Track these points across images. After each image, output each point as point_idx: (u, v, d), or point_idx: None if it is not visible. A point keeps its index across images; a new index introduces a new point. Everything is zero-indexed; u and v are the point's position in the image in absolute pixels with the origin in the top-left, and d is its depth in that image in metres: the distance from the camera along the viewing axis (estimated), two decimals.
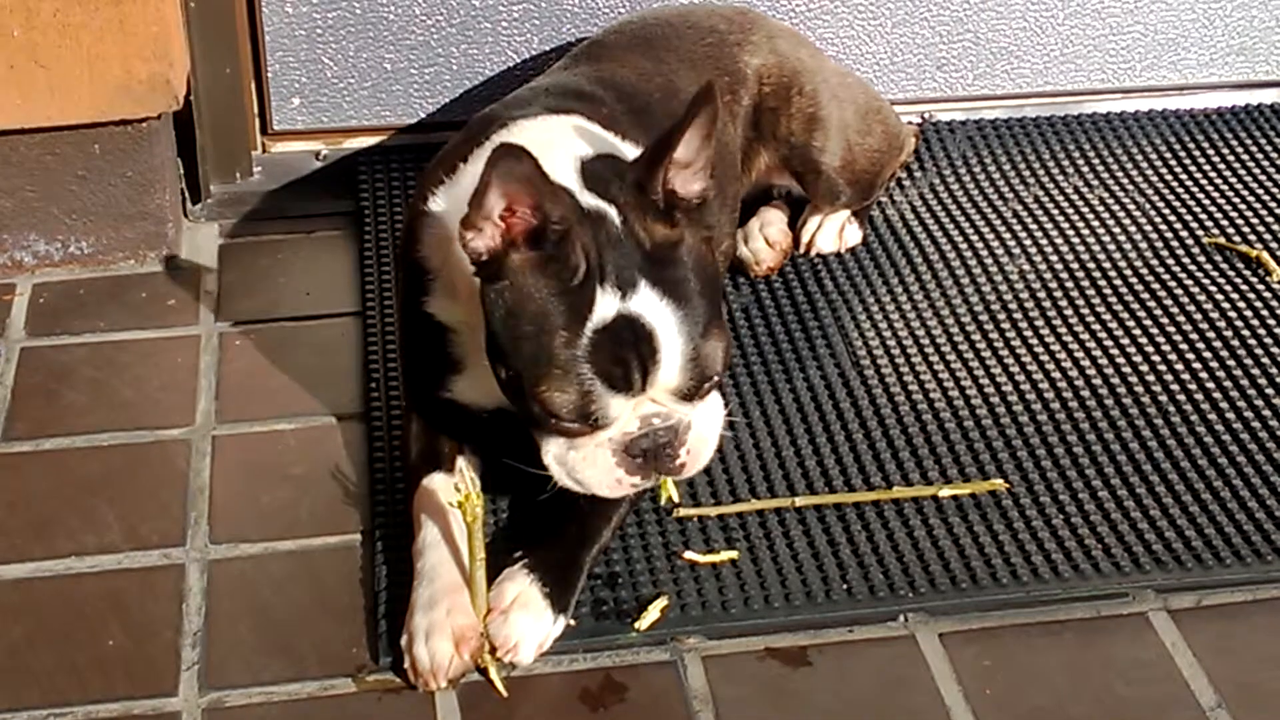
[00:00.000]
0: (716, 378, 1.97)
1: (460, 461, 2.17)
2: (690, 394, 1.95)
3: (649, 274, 1.92)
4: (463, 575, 2.00)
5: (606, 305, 1.90)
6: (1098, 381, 2.45)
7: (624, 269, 1.91)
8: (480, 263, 1.94)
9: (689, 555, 2.13)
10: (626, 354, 1.90)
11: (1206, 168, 2.97)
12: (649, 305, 1.91)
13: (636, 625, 2.04)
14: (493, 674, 1.97)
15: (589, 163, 2.03)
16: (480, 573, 1.98)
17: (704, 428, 1.99)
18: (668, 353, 1.91)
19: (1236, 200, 2.88)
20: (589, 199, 1.96)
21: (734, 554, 2.13)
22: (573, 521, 2.07)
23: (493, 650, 1.97)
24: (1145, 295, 2.64)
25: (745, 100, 2.59)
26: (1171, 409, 2.40)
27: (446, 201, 2.12)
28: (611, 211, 1.95)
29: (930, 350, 2.52)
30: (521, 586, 2.00)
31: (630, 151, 2.14)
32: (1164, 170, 2.97)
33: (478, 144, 2.15)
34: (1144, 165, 2.98)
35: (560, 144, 2.07)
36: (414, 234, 2.17)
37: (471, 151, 2.15)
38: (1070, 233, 2.80)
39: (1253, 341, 2.53)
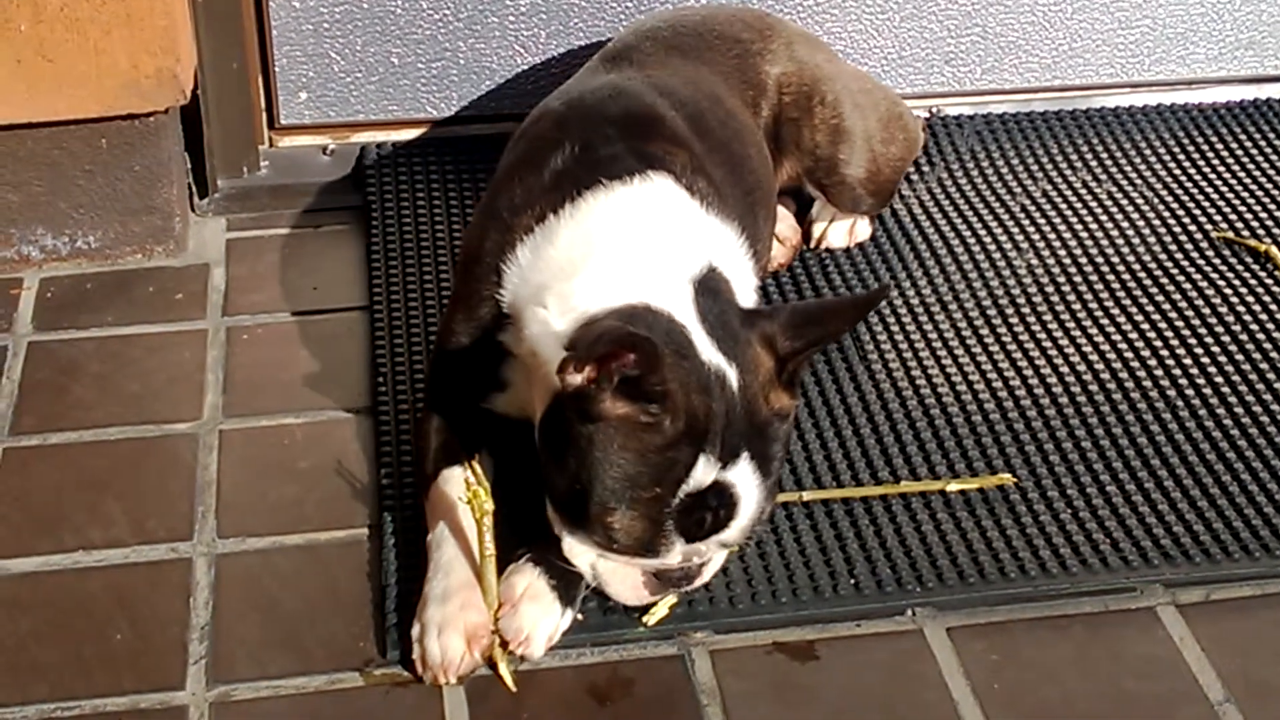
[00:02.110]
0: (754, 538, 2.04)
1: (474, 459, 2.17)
2: (745, 542, 2.00)
3: (751, 444, 1.92)
4: (475, 571, 2.00)
5: (705, 473, 1.89)
6: (1105, 376, 2.45)
7: (731, 437, 1.90)
8: (568, 393, 1.89)
9: None
10: (707, 515, 1.91)
11: (1215, 162, 2.97)
12: (743, 477, 1.91)
13: (644, 620, 2.04)
14: (502, 668, 1.97)
15: (703, 289, 1.98)
16: (490, 568, 1.97)
17: (722, 560, 2.05)
18: (741, 521, 1.93)
19: (1245, 194, 2.88)
20: (710, 353, 1.92)
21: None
22: None
23: (503, 644, 1.97)
24: (1153, 289, 2.63)
25: (765, 111, 2.57)
26: (1179, 403, 2.39)
27: (535, 259, 2.06)
28: (731, 374, 1.92)
29: (938, 344, 2.51)
30: (530, 579, 2.00)
31: (715, 226, 2.11)
32: (1172, 164, 2.96)
33: (569, 197, 2.08)
34: (1152, 160, 2.98)
35: (672, 250, 2.01)
36: (497, 271, 2.10)
37: (562, 205, 2.07)
38: (1078, 227, 2.79)
39: (1261, 335, 2.53)
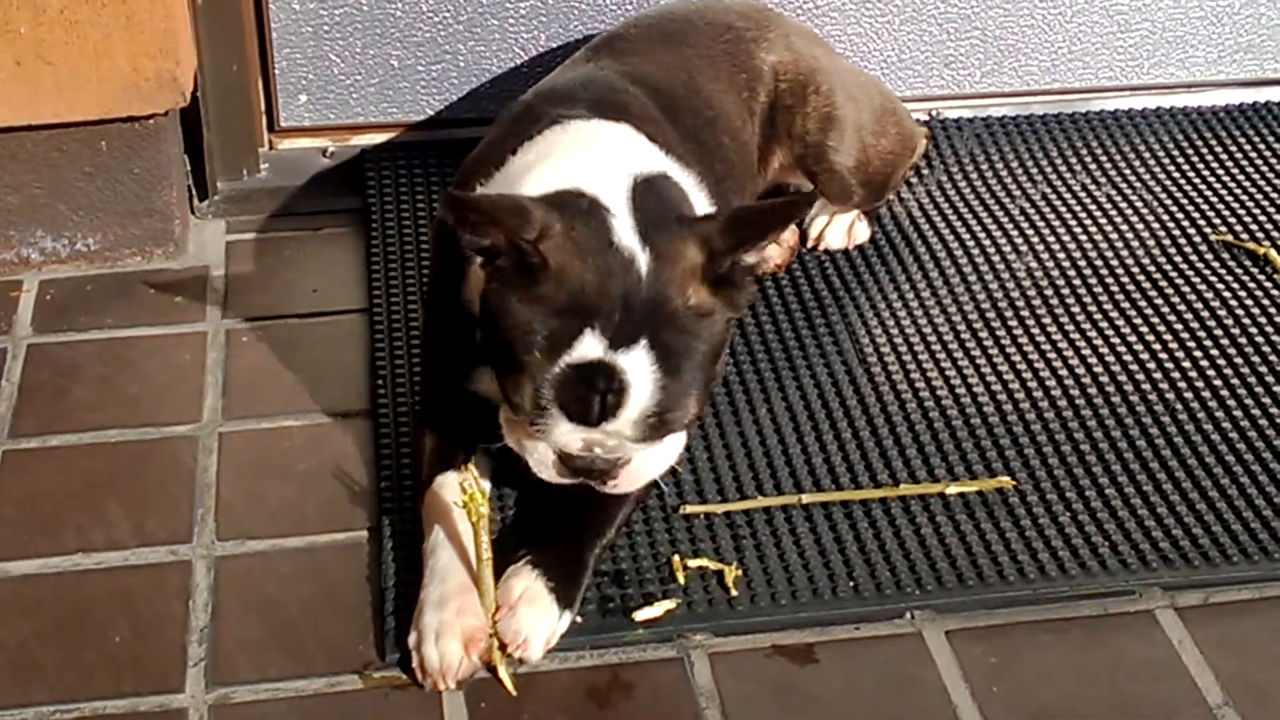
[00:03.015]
0: (674, 430, 1.98)
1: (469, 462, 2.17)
2: (643, 439, 1.96)
3: (654, 333, 1.91)
4: (471, 576, 2.00)
5: (589, 348, 1.90)
6: (1105, 379, 2.45)
7: (629, 321, 1.91)
8: (480, 252, 1.96)
9: (690, 561, 2.13)
10: (591, 397, 1.90)
11: (1214, 165, 2.97)
12: (637, 363, 1.91)
13: (633, 616, 2.04)
14: (501, 672, 1.97)
15: (642, 184, 2.02)
16: (487, 572, 1.97)
17: (645, 465, 2.00)
18: (632, 410, 1.92)
19: (1244, 197, 2.88)
20: (627, 237, 1.95)
21: (719, 564, 2.13)
22: (577, 518, 2.07)
23: (502, 648, 1.97)
24: (1152, 292, 2.63)
25: (761, 97, 2.58)
26: (1178, 406, 2.39)
27: (495, 190, 2.11)
28: (643, 258, 1.94)
29: (937, 347, 2.51)
30: (527, 582, 2.00)
31: (675, 171, 2.14)
32: (1171, 167, 2.97)
33: (528, 137, 2.15)
34: (1151, 162, 2.98)
35: (615, 156, 2.07)
36: None
37: (521, 144, 2.15)
38: (1078, 230, 2.79)
39: (1260, 339, 2.53)
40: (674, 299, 1.93)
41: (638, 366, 1.91)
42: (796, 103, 2.59)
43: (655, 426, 1.94)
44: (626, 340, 1.90)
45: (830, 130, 2.59)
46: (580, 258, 1.92)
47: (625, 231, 1.95)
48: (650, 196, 2.02)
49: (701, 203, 2.15)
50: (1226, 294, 2.63)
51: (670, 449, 2.02)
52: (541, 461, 2.00)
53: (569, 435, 1.94)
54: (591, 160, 2.06)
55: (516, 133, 2.19)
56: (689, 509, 2.20)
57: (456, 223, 1.91)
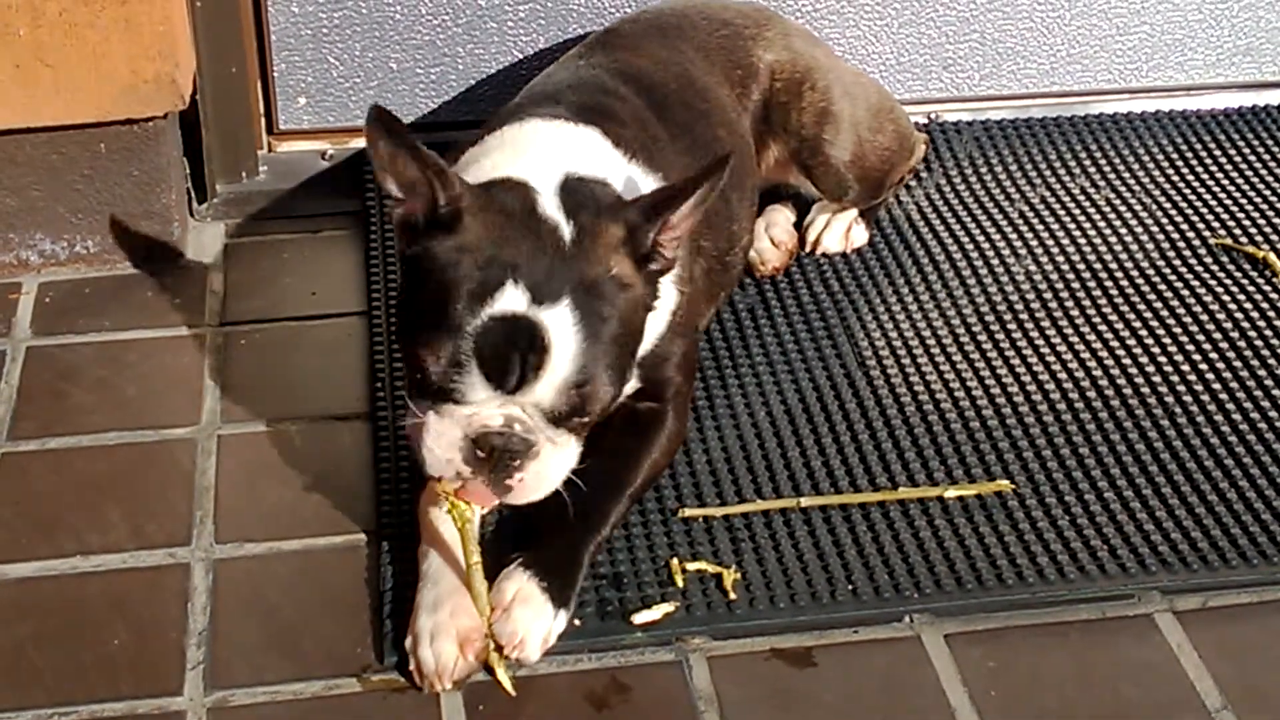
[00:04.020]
0: (588, 418, 1.97)
1: None
2: (559, 419, 1.95)
3: (578, 296, 1.93)
4: (463, 579, 2.00)
5: (513, 300, 1.90)
6: (1104, 383, 2.45)
7: (551, 279, 1.92)
8: (403, 231, 1.99)
9: (689, 564, 2.12)
10: (512, 352, 1.90)
11: (1213, 168, 2.97)
12: (559, 320, 1.91)
13: (632, 619, 2.04)
14: (500, 673, 1.97)
15: (575, 181, 2.05)
16: (477, 575, 1.98)
17: (551, 465, 1.98)
18: (555, 369, 1.92)
19: (1243, 201, 2.88)
20: (549, 208, 1.98)
21: (717, 567, 2.13)
22: (571, 517, 2.07)
23: (499, 649, 1.97)
24: (1151, 296, 2.63)
25: (756, 94, 2.59)
26: (1177, 410, 2.39)
27: None
28: (566, 226, 1.96)
29: (936, 351, 2.51)
30: (520, 583, 2.00)
31: (634, 172, 2.16)
32: (1170, 171, 2.96)
33: (489, 131, 2.19)
34: (1150, 166, 2.98)
35: (560, 155, 2.09)
36: None
37: (480, 139, 2.18)
38: (1076, 233, 2.79)
39: (1259, 342, 2.53)
40: (596, 265, 1.95)
41: (560, 325, 1.91)
42: (792, 99, 2.60)
43: (573, 403, 1.93)
44: (549, 297, 1.91)
45: (826, 125, 2.60)
46: (503, 215, 1.96)
47: (550, 207, 1.99)
48: (580, 184, 2.04)
49: None
50: (1225, 297, 2.63)
51: (569, 457, 2.00)
52: (448, 445, 1.94)
53: (483, 398, 1.91)
54: (532, 156, 2.08)
55: (485, 129, 2.22)
56: (688, 512, 2.20)
57: (376, 133, 1.92)
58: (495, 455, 1.94)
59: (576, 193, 2.03)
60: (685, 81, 2.47)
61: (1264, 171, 2.96)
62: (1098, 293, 2.64)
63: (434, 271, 1.94)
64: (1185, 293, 2.64)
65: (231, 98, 2.81)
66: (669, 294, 2.15)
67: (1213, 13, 3.09)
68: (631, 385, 2.13)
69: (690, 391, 2.28)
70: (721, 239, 2.39)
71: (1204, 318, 2.58)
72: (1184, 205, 2.87)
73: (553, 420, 1.95)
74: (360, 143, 2.93)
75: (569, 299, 1.92)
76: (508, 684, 1.96)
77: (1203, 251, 2.75)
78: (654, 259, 2.01)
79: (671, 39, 2.56)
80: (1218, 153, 3.01)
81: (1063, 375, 2.46)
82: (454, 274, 1.92)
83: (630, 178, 2.15)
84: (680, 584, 2.09)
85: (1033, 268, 2.71)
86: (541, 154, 2.10)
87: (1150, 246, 2.76)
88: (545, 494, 2.00)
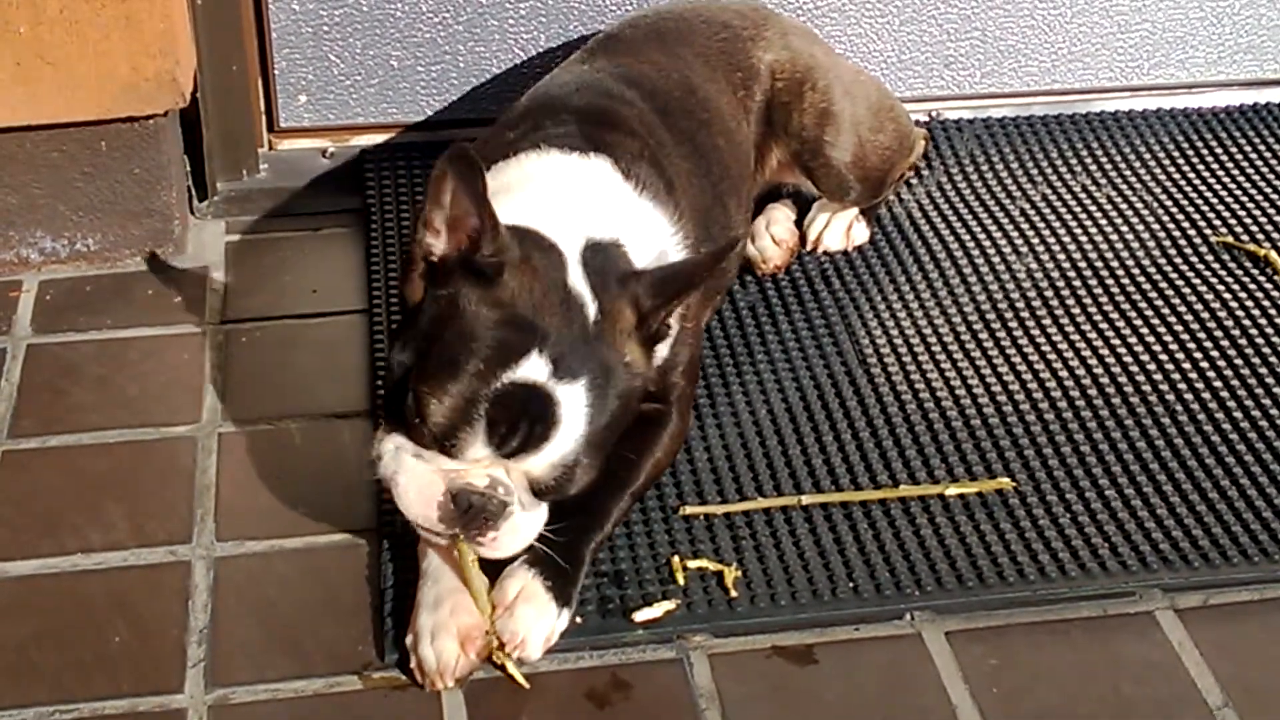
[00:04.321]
0: (560, 496, 1.97)
1: None
2: (540, 491, 1.95)
3: (595, 377, 1.93)
4: (462, 578, 2.00)
5: (535, 369, 1.90)
6: (1105, 380, 2.45)
7: (574, 356, 1.92)
8: (430, 264, 1.97)
9: (690, 561, 2.12)
10: (522, 420, 1.90)
11: (1214, 166, 2.97)
12: (574, 398, 1.92)
13: (633, 616, 2.04)
14: (510, 669, 1.96)
15: (594, 246, 2.03)
16: (474, 574, 1.97)
17: (524, 527, 1.98)
18: (557, 444, 1.92)
19: (1244, 198, 2.88)
20: (577, 280, 1.98)
21: (718, 565, 2.13)
22: (573, 516, 2.07)
23: (502, 647, 1.97)
24: (1153, 294, 2.63)
25: (758, 96, 2.59)
26: (1178, 407, 2.39)
27: None
28: (591, 305, 1.97)
29: (937, 348, 2.51)
30: (524, 581, 2.00)
31: (645, 211, 2.16)
32: (1172, 169, 2.96)
33: (506, 156, 2.18)
34: (1152, 163, 2.98)
35: (579, 207, 2.08)
36: None
37: (498, 161, 2.17)
38: (1078, 231, 2.79)
39: (1260, 340, 2.53)
40: (614, 350, 1.97)
41: (574, 402, 1.92)
42: (793, 99, 2.60)
43: (558, 478, 1.94)
44: (570, 374, 1.92)
45: (827, 125, 2.60)
46: (538, 280, 1.95)
47: (577, 279, 1.98)
48: (599, 252, 2.03)
49: (674, 247, 2.17)
50: (1227, 295, 2.63)
51: (541, 517, 1.99)
52: (423, 497, 1.94)
53: (478, 457, 1.91)
54: (554, 206, 2.06)
55: (500, 144, 2.21)
56: (689, 510, 2.20)
57: (452, 176, 1.90)
58: (470, 513, 1.94)
59: (597, 263, 2.01)
60: (687, 89, 2.47)
61: (1265, 169, 2.96)
62: (1099, 290, 2.64)
63: (463, 319, 1.93)
64: (1186, 291, 2.64)
65: (232, 95, 2.81)
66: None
67: (1214, 10, 3.09)
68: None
69: (693, 392, 2.28)
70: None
71: (1205, 316, 2.58)
72: (1185, 203, 2.87)
73: (534, 491, 1.95)
74: (361, 140, 2.94)
75: (586, 379, 1.93)
76: (520, 678, 1.96)
77: (1204, 249, 2.75)
78: (660, 335, 2.04)
79: (672, 45, 2.56)
80: (1219, 151, 3.01)
81: (1064, 373, 2.46)
82: (482, 328, 1.91)
83: (642, 226, 2.14)
84: (681, 581, 2.09)
85: (1034, 265, 2.71)
86: (563, 205, 2.08)
87: (1151, 244, 2.76)
88: (514, 553, 1.99)
